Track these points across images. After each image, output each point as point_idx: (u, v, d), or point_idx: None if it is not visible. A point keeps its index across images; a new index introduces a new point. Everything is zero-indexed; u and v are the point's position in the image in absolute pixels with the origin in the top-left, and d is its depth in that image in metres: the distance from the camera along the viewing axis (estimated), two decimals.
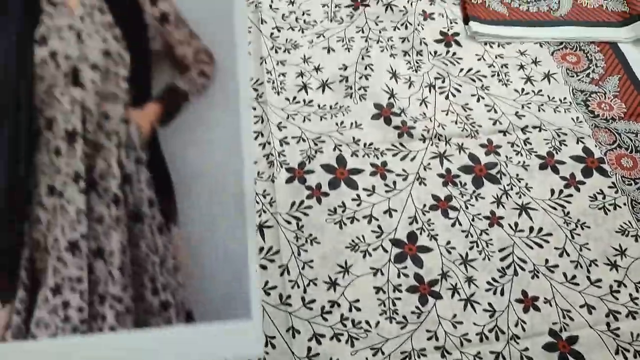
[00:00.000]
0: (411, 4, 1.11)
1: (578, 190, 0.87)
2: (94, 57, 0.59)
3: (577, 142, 0.93)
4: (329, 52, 1.03)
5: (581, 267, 0.81)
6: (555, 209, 0.86)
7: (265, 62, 1.00)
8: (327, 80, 0.99)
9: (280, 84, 0.98)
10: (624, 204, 0.86)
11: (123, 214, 0.61)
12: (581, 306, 0.78)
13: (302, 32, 1.06)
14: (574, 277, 0.80)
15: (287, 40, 1.04)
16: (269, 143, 0.90)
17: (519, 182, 0.88)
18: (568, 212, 0.85)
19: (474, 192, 0.87)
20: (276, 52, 1.02)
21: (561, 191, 0.87)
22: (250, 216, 0.63)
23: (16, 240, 0.61)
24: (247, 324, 0.61)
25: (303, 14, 1.08)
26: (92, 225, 0.60)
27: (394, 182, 0.87)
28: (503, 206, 0.86)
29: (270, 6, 1.08)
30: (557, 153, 0.91)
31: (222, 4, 0.63)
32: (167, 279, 0.64)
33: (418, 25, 1.08)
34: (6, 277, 0.62)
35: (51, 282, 0.60)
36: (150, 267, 0.63)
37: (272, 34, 1.04)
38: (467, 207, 0.85)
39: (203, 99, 0.65)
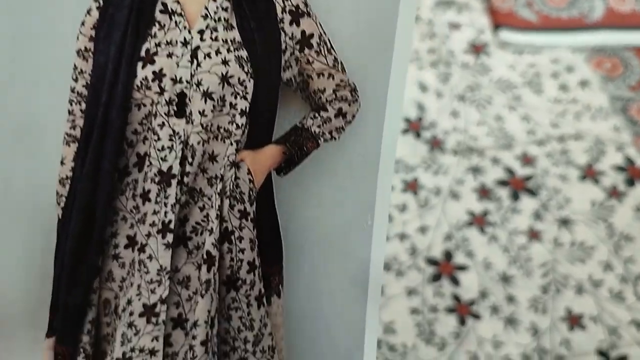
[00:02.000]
0: (436, 15, 1.09)
1: (620, 201, 0.84)
2: (208, 83, 0.47)
3: (617, 151, 0.89)
4: None
5: (627, 281, 0.77)
6: (597, 221, 0.82)
7: None
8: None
9: None
10: None
11: (215, 278, 0.49)
12: (629, 322, 0.74)
13: None
14: (620, 292, 0.76)
15: None
16: None
17: (558, 194, 0.85)
18: (611, 225, 0.81)
19: (510, 206, 0.84)
20: None
21: (602, 203, 0.84)
22: (374, 299, 0.52)
23: (82, 299, 0.51)
24: None
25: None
26: (175, 288, 0.50)
27: (427, 198, 0.85)
28: (542, 220, 0.82)
29: None
30: (596, 163, 0.88)
31: (380, 21, 0.50)
32: None
33: (445, 36, 1.06)
34: (67, 341, 0.52)
35: (118, 352, 0.49)
36: (242, 345, 0.52)
37: None
38: (503, 222, 0.82)
39: (337, 147, 0.53)
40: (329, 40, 0.50)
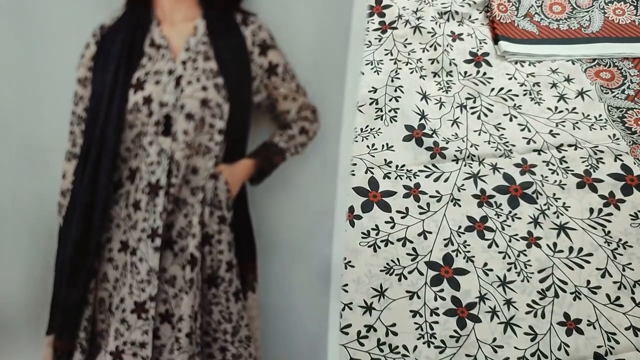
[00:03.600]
0: (439, 26, 1.11)
1: (618, 208, 0.85)
2: (190, 106, 0.53)
3: (615, 160, 0.91)
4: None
5: (625, 287, 0.78)
6: (595, 228, 0.83)
7: None
8: (357, 103, 0.99)
9: None
10: None
11: (198, 277, 0.55)
12: (627, 328, 0.75)
13: None
14: (617, 298, 0.77)
15: None
16: None
17: (556, 201, 0.86)
18: (609, 232, 0.83)
19: (510, 212, 0.85)
20: None
21: (600, 210, 0.85)
22: (335, 291, 0.57)
23: (80, 298, 0.56)
24: None
25: None
26: (163, 286, 0.55)
27: (428, 204, 0.86)
28: (540, 226, 0.84)
29: None
30: (594, 171, 0.90)
31: (335, 52, 0.54)
32: (239, 350, 0.58)
33: (447, 46, 1.08)
34: (65, 337, 0.57)
35: (112, 346, 0.55)
36: (221, 336, 0.58)
37: None
38: (503, 228, 0.84)
39: (301, 160, 0.58)
40: (292, 69, 0.55)
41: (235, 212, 0.56)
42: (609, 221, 0.84)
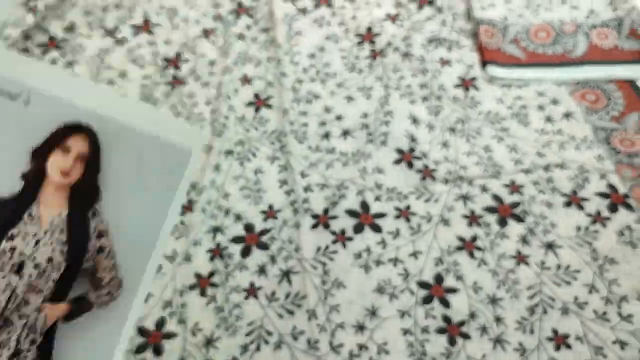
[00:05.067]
0: (428, 52, 1.14)
1: (604, 226, 0.87)
2: (39, 259, 0.76)
3: (601, 179, 0.93)
4: (349, 101, 1.06)
5: (611, 303, 0.80)
6: (582, 245, 0.85)
7: (288, 114, 1.03)
8: (348, 128, 1.02)
9: (303, 133, 1.01)
10: None
11: None
12: (613, 342, 0.76)
13: (323, 83, 1.09)
14: (604, 313, 0.79)
15: (308, 92, 1.08)
16: (293, 191, 0.92)
17: (544, 220, 0.88)
18: (595, 249, 0.85)
19: (498, 231, 0.87)
20: (298, 103, 1.05)
21: (587, 228, 0.87)
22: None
23: None
24: None
25: (323, 66, 1.12)
26: None
27: (419, 225, 0.88)
28: (529, 245, 0.86)
29: (291, 61, 1.13)
30: (581, 190, 0.92)
31: (146, 245, 0.86)
32: None
33: (436, 71, 1.11)
34: None
35: None
36: None
37: (294, 87, 1.08)
38: (492, 247, 0.86)
39: (100, 313, 0.82)
40: (114, 252, 0.82)
41: (44, 339, 0.75)
42: (596, 239, 0.86)
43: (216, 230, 0.88)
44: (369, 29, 1.19)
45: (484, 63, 1.13)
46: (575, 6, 1.23)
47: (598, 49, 1.15)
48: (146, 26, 1.18)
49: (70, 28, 1.11)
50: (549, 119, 1.03)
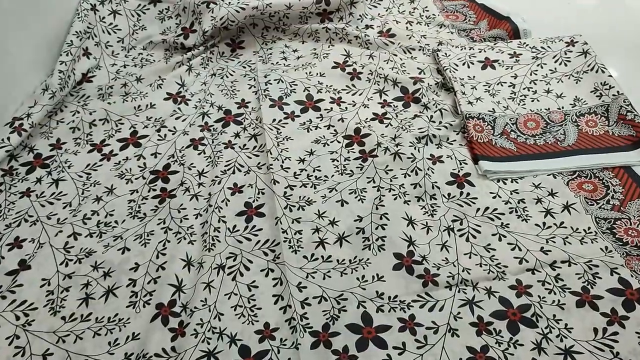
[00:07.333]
0: (418, 150, 1.13)
1: (623, 326, 0.82)
2: None
3: (612, 274, 0.88)
4: (342, 205, 1.03)
5: None
6: (602, 350, 0.79)
7: (281, 222, 0.99)
8: (343, 234, 0.98)
9: (297, 242, 0.97)
10: None
11: None
12: None
13: (315, 188, 1.07)
14: None
15: (300, 197, 1.04)
16: (290, 306, 0.86)
17: (558, 323, 0.83)
18: (617, 353, 0.79)
19: (510, 339, 0.82)
20: (290, 210, 1.02)
21: (605, 329, 0.82)
22: None
23: None
24: None
25: (314, 171, 1.10)
26: None
27: (425, 337, 0.82)
28: (545, 352, 0.80)
29: (282, 166, 1.10)
30: (592, 287, 0.87)
31: None
32: None
33: (428, 169, 1.09)
34: None
35: None
36: None
37: (285, 192, 1.05)
38: (506, 357, 0.80)
39: None
40: None
41: None
42: (616, 341, 0.80)
43: (209, 356, 0.82)
44: (357, 130, 1.18)
45: (475, 158, 1.11)
46: (559, 95, 1.23)
47: (588, 137, 1.14)
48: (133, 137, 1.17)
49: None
50: (549, 212, 1.00)
